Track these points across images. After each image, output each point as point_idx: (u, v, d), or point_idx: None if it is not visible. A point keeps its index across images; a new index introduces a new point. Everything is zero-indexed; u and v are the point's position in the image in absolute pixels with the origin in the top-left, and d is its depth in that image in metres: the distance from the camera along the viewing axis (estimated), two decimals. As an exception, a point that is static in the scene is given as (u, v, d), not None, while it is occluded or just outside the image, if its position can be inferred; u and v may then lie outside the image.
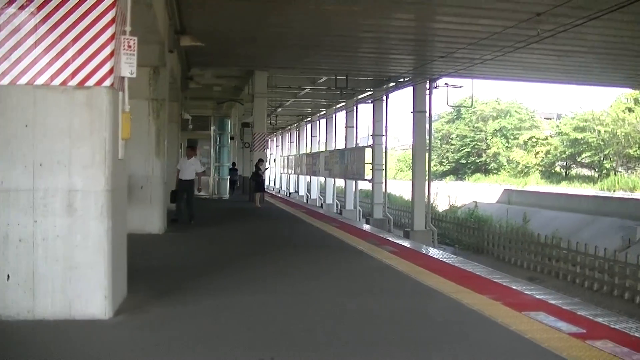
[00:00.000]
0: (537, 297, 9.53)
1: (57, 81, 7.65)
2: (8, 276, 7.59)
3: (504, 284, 10.62)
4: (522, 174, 72.05)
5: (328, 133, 50.88)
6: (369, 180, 37.47)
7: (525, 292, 9.89)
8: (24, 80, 7.63)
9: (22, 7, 7.60)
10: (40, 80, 7.62)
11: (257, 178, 29.67)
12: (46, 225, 7.64)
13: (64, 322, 7.54)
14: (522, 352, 6.77)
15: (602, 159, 65.46)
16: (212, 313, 8.39)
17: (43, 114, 7.65)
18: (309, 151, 57.21)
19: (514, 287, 10.28)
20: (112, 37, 7.75)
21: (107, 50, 7.71)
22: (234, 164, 40.57)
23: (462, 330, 7.81)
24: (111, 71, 7.72)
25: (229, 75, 35.29)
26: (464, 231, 36.97)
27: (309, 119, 59.22)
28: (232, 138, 38.85)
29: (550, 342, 6.97)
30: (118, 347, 6.82)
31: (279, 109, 52.02)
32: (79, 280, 7.68)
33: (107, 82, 7.70)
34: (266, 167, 33.79)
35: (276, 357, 6.41)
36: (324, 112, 52.42)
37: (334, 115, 50.59)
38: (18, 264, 7.61)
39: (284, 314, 8.40)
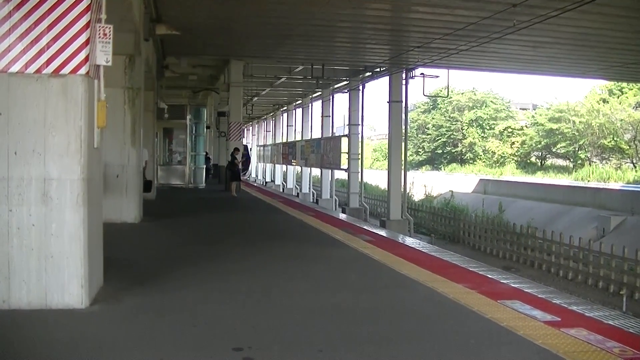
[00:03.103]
0: (513, 285, 9.61)
1: (32, 69, 7.57)
2: (-18, 266, 7.54)
3: (480, 272, 10.70)
4: (497, 164, 72.51)
5: (304, 122, 50.85)
6: (345, 170, 37.50)
7: (501, 281, 9.97)
8: (-3, 67, 7.55)
9: (-5, -6, 7.52)
10: (15, 68, 7.53)
11: (233, 167, 29.60)
12: (21, 214, 7.58)
13: (40, 311, 7.50)
14: (498, 340, 6.82)
15: (577, 149, 65.94)
16: (189, 303, 8.37)
17: (17, 102, 7.57)
18: (285, 140, 57.14)
19: (489, 276, 10.36)
20: (88, 25, 7.68)
21: (82, 38, 7.64)
22: (206, 152, 40.45)
23: (438, 319, 7.88)
24: (86, 59, 7.66)
25: (204, 64, 35.13)
26: (440, 221, 37.09)
27: (285, 108, 59.10)
28: (208, 127, 38.71)
29: (526, 330, 7.04)
30: (95, 336, 6.78)
31: (255, 98, 51.91)
32: (54, 269, 7.63)
33: (83, 70, 7.63)
34: (249, 153, 33.80)
35: (253, 347, 6.42)
36: (300, 101, 52.35)
37: (310, 105, 50.53)
38: (-7, 254, 7.55)
39: (261, 305, 8.41)
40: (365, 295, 9.08)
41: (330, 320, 7.66)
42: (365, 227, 17.49)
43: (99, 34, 8.06)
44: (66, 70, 7.60)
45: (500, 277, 10.41)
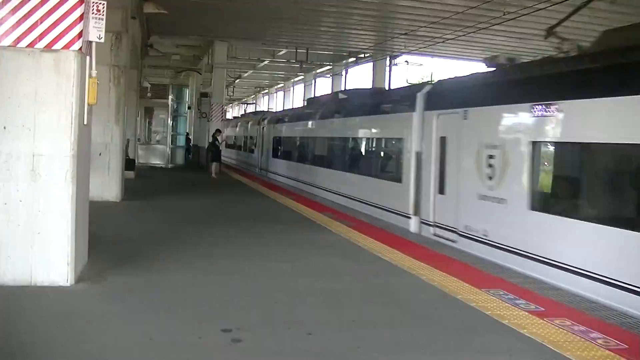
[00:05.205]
0: (496, 275, 9.66)
1: (24, 43, 7.50)
2: (-32, 241, 7.49)
3: (464, 261, 10.72)
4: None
5: (285, 106, 50.75)
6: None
7: (485, 270, 10.02)
8: (-11, 41, 7.47)
9: (-11, -34, 7.42)
10: (7, 42, 7.46)
11: (214, 148, 29.47)
12: (9, 189, 7.53)
13: (25, 288, 7.48)
14: (484, 328, 6.88)
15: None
16: (175, 283, 8.37)
17: (8, 76, 7.50)
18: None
19: (474, 265, 10.39)
20: (82, 1, 7.61)
21: (76, 14, 7.57)
22: (187, 133, 40.19)
23: (423, 305, 7.93)
24: (79, 35, 7.60)
25: (188, 44, 35.02)
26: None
27: (267, 91, 58.98)
28: (189, 107, 38.51)
29: (511, 318, 7.10)
30: (82, 313, 6.78)
31: (237, 80, 51.73)
32: (41, 246, 7.61)
33: (76, 46, 7.57)
34: (224, 137, 33.74)
35: (242, 328, 6.43)
36: (282, 85, 52.24)
37: (291, 89, 50.47)
38: (-22, 229, 7.50)
39: (248, 287, 8.42)
40: (350, 280, 9.10)
41: (317, 304, 7.69)
42: (347, 212, 17.43)
43: (93, 9, 8.00)
44: (59, 45, 7.53)
45: (483, 266, 10.45)
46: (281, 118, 32.93)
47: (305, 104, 34.27)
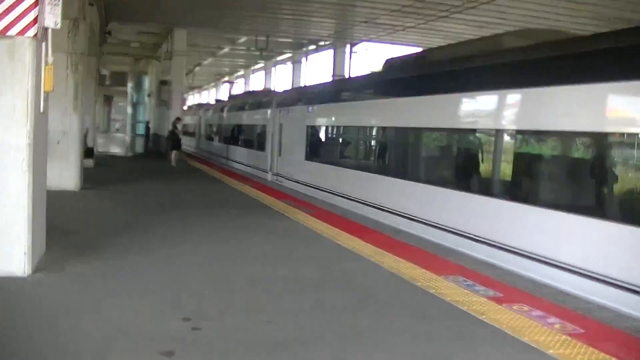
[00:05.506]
0: (455, 262, 9.73)
1: (-23, 29, 7.35)
2: None
3: (424, 248, 10.79)
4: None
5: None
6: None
7: (444, 257, 10.09)
8: (-59, 26, 7.30)
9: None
10: (-41, 28, 7.31)
11: (174, 136, 29.29)
12: (-37, 178, 7.39)
13: (-19, 278, 7.35)
14: (444, 314, 6.93)
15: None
16: (135, 272, 8.31)
17: (-39, 63, 7.35)
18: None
19: (433, 252, 10.46)
20: (37, -14, 7.48)
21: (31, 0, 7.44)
22: (147, 121, 39.94)
23: (383, 292, 7.93)
24: (35, 21, 7.45)
25: (147, 31, 34.64)
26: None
27: (227, 79, 58.72)
28: (149, 95, 38.22)
29: (469, 305, 7.17)
30: (38, 304, 6.68)
31: (197, 68, 51.43)
32: (-4, 235, 7.48)
33: (31, 32, 7.42)
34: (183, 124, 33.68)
35: (201, 316, 6.40)
36: (242, 72, 52.05)
37: (251, 76, 50.31)
38: None
39: (208, 274, 8.38)
40: (310, 267, 9.11)
41: (277, 291, 7.67)
42: (307, 200, 17.48)
43: (48, -5, 7.86)
44: (13, 31, 7.37)
45: (443, 252, 10.53)
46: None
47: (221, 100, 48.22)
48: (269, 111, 27.26)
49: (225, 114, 37.47)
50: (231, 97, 43.74)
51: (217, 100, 52.05)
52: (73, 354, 5.36)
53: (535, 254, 10.40)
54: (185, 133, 46.14)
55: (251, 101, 32.13)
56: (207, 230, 11.79)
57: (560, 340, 6.05)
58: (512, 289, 8.14)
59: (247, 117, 32.04)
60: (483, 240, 11.72)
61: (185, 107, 31.80)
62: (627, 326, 6.93)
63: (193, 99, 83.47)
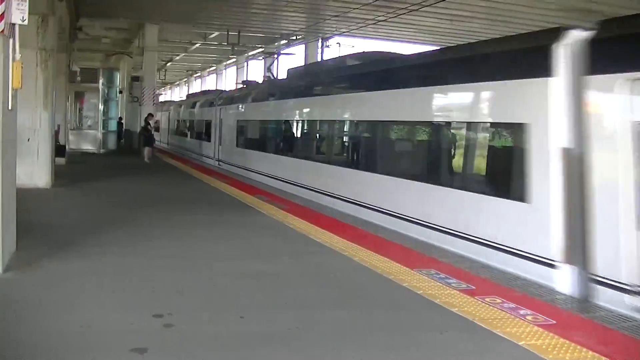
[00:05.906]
0: (428, 255, 9.77)
1: (-58, 25, 7.26)
2: None
3: (397, 242, 10.82)
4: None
5: (218, 88, 50.42)
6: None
7: (417, 250, 10.13)
8: None
9: None
10: None
11: (146, 132, 29.13)
12: None
13: (-50, 278, 7.27)
14: (417, 307, 6.98)
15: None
16: (108, 269, 8.25)
17: None
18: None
19: (406, 246, 10.50)
20: (3, -19, 7.41)
21: (-3, -5, 7.36)
22: (120, 118, 39.68)
23: (358, 286, 7.97)
24: (1, 17, 7.38)
25: (118, 27, 34.36)
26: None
27: (199, 74, 58.52)
28: (120, 92, 37.97)
29: (442, 297, 7.21)
30: (8, 303, 6.60)
31: (169, 64, 51.21)
32: (-35, 234, 7.40)
33: (-3, 29, 7.37)
34: (156, 120, 33.62)
35: (174, 313, 6.38)
36: (214, 67, 51.88)
37: (224, 71, 50.18)
38: None
39: (183, 271, 8.35)
40: (285, 262, 9.14)
41: (252, 286, 7.68)
42: (280, 195, 17.50)
43: (15, -9, 7.78)
44: (-20, 28, 7.31)
45: (416, 246, 10.57)
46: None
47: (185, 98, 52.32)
48: (214, 108, 31.96)
49: (183, 111, 43.07)
50: (188, 96, 51.06)
51: (181, 99, 58.20)
52: (44, 350, 5.33)
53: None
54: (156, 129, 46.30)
55: (202, 100, 36.93)
56: (182, 226, 11.76)
57: (532, 331, 6.12)
58: (484, 281, 8.20)
59: (198, 114, 36.78)
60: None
61: (152, 104, 32.59)
62: (596, 316, 7.02)
63: (165, 95, 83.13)
